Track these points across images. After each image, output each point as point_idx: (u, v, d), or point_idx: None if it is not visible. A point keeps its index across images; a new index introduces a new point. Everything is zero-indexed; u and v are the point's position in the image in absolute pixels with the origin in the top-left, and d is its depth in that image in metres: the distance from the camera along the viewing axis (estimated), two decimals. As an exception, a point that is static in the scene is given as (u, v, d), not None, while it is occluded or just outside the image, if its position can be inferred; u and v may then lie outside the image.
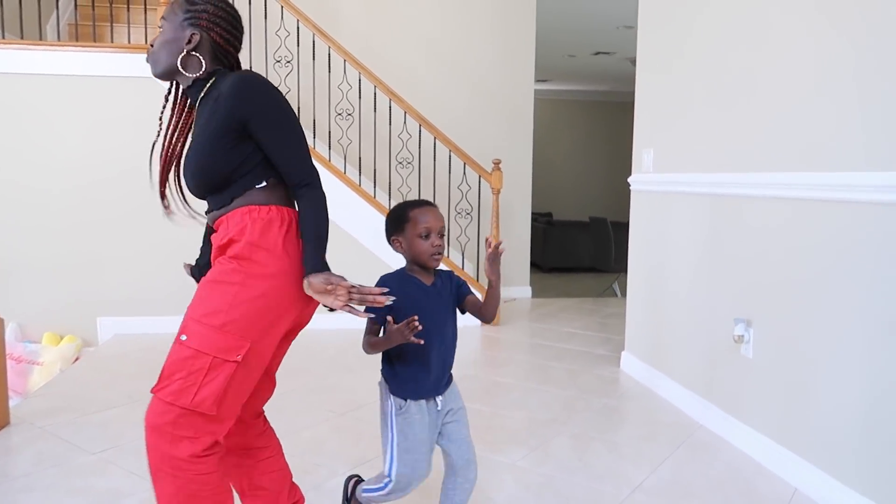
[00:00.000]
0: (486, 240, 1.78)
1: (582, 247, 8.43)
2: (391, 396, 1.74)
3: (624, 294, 6.80)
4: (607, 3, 6.36)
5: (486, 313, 1.79)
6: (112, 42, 5.10)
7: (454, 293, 1.79)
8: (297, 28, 4.75)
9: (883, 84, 2.01)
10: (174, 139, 1.66)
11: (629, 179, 3.73)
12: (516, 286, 5.92)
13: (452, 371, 1.82)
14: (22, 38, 4.73)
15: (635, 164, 3.69)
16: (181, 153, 1.66)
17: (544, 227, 8.52)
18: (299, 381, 3.49)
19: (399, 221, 1.74)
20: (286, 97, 1.55)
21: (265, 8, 4.71)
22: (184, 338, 1.44)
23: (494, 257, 1.72)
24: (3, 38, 4.50)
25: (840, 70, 2.18)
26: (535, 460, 2.53)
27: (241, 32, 1.62)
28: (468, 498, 1.81)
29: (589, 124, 11.60)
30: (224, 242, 1.52)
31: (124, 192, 4.28)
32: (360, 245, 4.62)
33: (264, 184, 1.53)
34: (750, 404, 2.63)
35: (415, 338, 1.60)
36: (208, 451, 1.45)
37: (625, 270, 4.04)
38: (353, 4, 5.56)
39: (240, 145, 1.50)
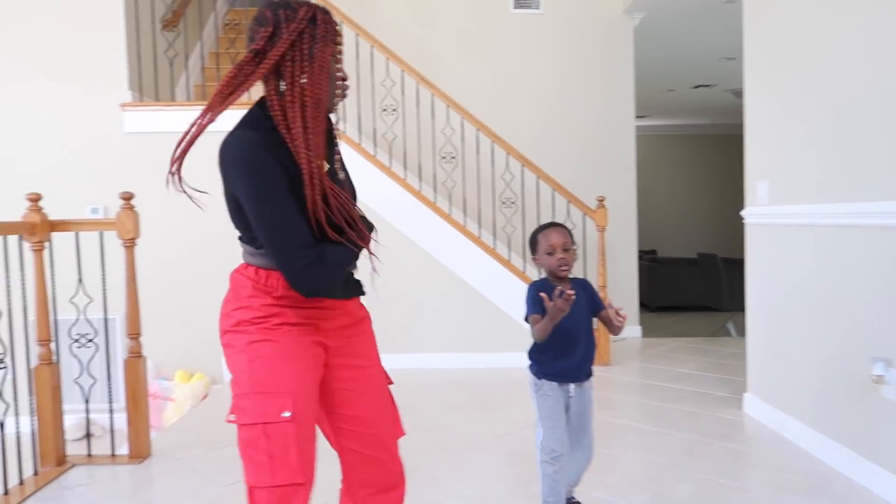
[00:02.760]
0: (612, 308, 2.14)
1: (691, 285, 8.13)
2: (532, 376, 2.19)
3: (740, 333, 6.49)
4: (706, 36, 6.26)
5: (612, 331, 2.19)
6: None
7: (589, 299, 2.18)
8: (402, 78, 4.96)
9: None
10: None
11: (743, 213, 3.60)
12: (626, 325, 5.77)
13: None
14: (157, 100, 5.19)
15: (749, 196, 3.56)
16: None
17: (649, 265, 8.31)
18: (409, 420, 3.54)
19: (533, 243, 2.20)
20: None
21: (371, 60, 4.95)
22: (232, 417, 1.39)
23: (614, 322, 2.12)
24: (142, 100, 4.95)
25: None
26: (660, 505, 2.44)
27: None
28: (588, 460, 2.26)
29: (690, 159, 11.31)
30: None
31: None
32: (461, 281, 4.71)
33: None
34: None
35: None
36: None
37: (740, 309, 3.88)
38: (454, 52, 5.73)
39: None
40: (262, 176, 1.32)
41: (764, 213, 3.40)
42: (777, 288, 3.30)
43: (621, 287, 5.72)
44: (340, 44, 1.42)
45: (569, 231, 2.18)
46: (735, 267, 8.06)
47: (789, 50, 3.17)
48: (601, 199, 4.86)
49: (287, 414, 1.34)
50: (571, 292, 1.92)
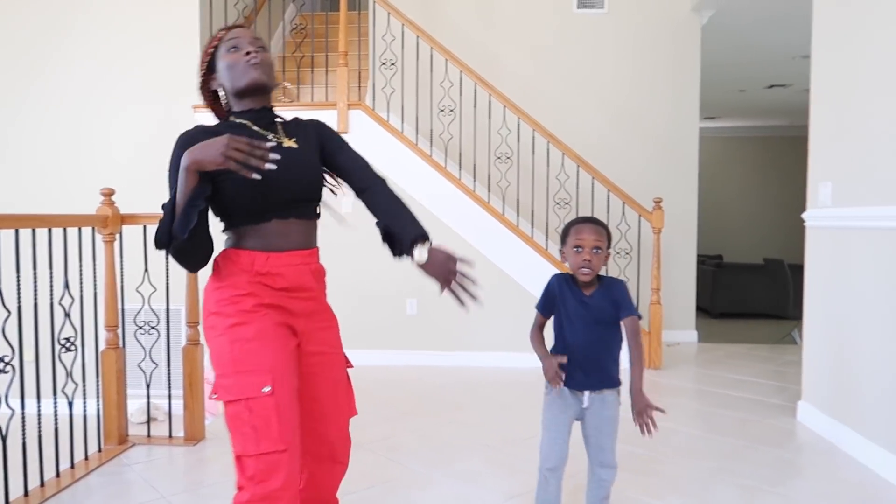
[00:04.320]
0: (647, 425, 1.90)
1: (756, 291, 7.86)
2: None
3: (805, 342, 6.25)
4: (780, 34, 6.04)
5: (630, 353, 1.97)
6: (298, 101, 5.71)
7: (613, 306, 1.94)
8: (461, 79, 5.01)
9: None
10: None
11: (804, 215, 3.48)
12: (680, 330, 5.65)
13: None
14: (225, 102, 5.42)
15: (810, 198, 3.45)
16: None
17: (713, 271, 8.08)
18: (457, 415, 3.59)
19: (564, 235, 1.99)
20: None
21: (431, 61, 5.03)
22: (215, 396, 1.51)
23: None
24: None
25: None
26: (697, 509, 2.40)
27: None
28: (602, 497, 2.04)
29: (763, 161, 10.90)
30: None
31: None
32: (512, 281, 4.72)
33: None
34: (954, 465, 2.32)
35: (560, 368, 1.93)
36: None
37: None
38: (514, 53, 5.75)
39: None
40: None
41: (826, 215, 3.29)
42: (838, 293, 3.18)
43: (678, 291, 5.61)
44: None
45: (606, 230, 1.95)
46: (803, 273, 7.77)
47: (859, 49, 3.06)
48: (658, 201, 4.78)
49: (267, 389, 1.45)
50: (560, 384, 1.91)
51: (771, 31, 6.01)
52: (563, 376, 1.92)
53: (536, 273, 4.71)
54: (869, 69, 2.92)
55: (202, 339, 3.20)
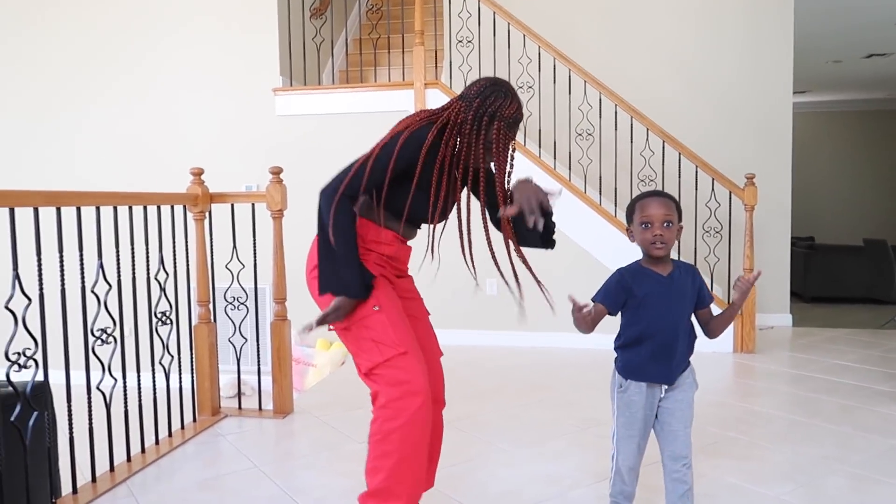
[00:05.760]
0: (743, 275, 1.80)
1: (853, 274, 7.42)
2: (616, 374, 1.85)
3: (911, 327, 5.84)
4: (882, -3, 5.63)
5: (713, 328, 1.85)
6: (375, 82, 5.72)
7: (695, 289, 1.82)
8: (539, 54, 4.89)
9: None
10: None
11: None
12: (774, 313, 5.37)
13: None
14: (305, 84, 5.50)
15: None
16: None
17: (805, 252, 7.67)
18: (540, 395, 3.53)
19: (630, 212, 1.82)
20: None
21: (508, 37, 4.93)
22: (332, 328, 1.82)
23: (746, 287, 1.74)
24: (291, 85, 5.27)
25: None
26: (806, 497, 2.26)
27: None
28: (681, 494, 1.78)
29: (859, 137, 10.24)
30: None
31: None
32: (594, 260, 4.60)
33: None
34: None
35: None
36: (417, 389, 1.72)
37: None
38: (591, 27, 5.58)
39: None
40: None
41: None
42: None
43: (771, 273, 5.33)
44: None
45: (675, 203, 1.77)
46: (908, 254, 7.29)
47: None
48: (750, 177, 4.54)
49: (377, 308, 1.76)
50: (585, 305, 1.71)
51: (871, -6, 5.61)
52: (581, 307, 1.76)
53: (619, 253, 4.55)
54: None
55: (289, 315, 3.26)
